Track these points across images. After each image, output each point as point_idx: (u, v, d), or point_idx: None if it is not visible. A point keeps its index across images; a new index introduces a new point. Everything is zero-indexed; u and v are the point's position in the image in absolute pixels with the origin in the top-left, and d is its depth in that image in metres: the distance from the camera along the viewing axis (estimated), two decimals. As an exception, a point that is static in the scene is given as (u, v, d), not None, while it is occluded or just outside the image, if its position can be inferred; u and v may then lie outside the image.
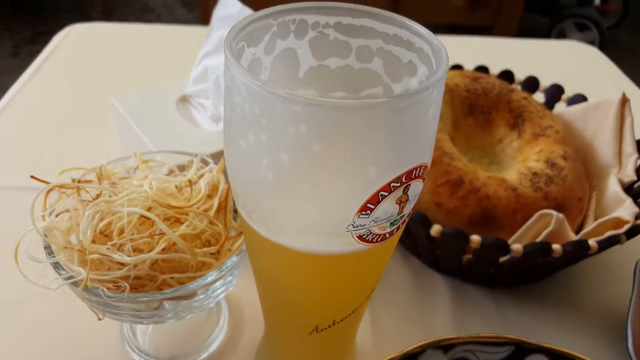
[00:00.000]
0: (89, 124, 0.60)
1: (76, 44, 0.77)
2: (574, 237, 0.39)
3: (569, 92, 0.54)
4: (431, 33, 0.22)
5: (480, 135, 0.50)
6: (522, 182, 0.43)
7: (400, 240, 0.48)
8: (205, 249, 0.29)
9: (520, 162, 0.46)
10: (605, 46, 2.43)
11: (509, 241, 0.40)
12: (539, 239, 0.38)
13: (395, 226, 0.22)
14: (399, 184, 0.20)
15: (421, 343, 0.34)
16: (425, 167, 0.21)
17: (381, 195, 0.20)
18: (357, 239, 0.21)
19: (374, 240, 0.22)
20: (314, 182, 0.19)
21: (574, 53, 0.90)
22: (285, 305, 0.26)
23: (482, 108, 0.50)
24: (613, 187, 0.44)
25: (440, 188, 0.42)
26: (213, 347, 0.38)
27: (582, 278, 0.45)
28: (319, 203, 0.20)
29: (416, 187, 0.22)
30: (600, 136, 0.49)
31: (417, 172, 0.21)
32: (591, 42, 2.44)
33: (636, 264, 0.41)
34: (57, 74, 0.70)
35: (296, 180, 0.19)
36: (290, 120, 0.18)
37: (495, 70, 0.57)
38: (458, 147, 0.49)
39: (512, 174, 0.44)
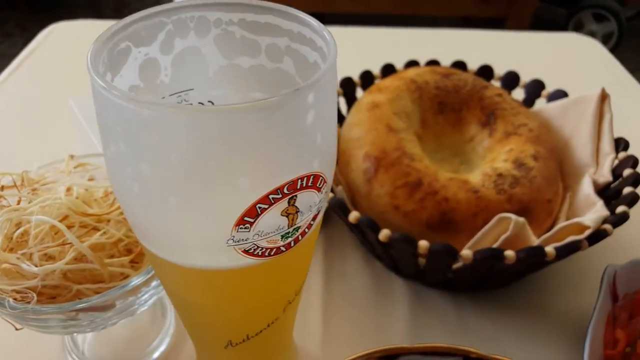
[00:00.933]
0: (57, 124, 0.59)
1: (59, 42, 0.77)
2: (535, 242, 0.37)
3: (566, 87, 0.51)
4: (326, 30, 0.20)
5: (450, 133, 0.48)
6: (485, 183, 0.40)
7: (362, 243, 0.46)
8: (118, 259, 0.28)
9: (489, 162, 0.44)
10: (624, 37, 2.35)
11: (467, 246, 0.38)
12: (496, 245, 0.36)
13: (290, 239, 0.21)
14: (280, 196, 0.18)
15: (361, 354, 0.33)
16: (318, 176, 0.20)
17: (259, 207, 0.18)
18: (243, 253, 0.20)
19: (266, 254, 0.20)
20: (179, 194, 0.18)
21: (573, 45, 0.86)
22: (191, 319, 0.25)
23: (453, 106, 0.48)
24: (585, 189, 0.42)
25: (398, 190, 0.40)
26: (157, 354, 0.37)
27: (551, 283, 0.43)
28: (188, 217, 0.18)
29: (308, 199, 0.20)
30: (578, 134, 0.46)
31: (305, 183, 0.19)
32: (610, 34, 2.37)
33: (604, 270, 0.39)
34: (35, 72, 0.70)
35: (160, 192, 0.18)
36: (141, 128, 0.16)
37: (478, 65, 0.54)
38: (428, 146, 0.47)
39: (477, 175, 0.42)
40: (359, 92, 0.52)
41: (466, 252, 0.34)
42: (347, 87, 0.51)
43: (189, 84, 0.24)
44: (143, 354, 0.37)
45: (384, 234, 0.36)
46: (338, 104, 0.50)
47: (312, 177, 0.19)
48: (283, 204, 0.19)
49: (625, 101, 0.70)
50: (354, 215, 0.37)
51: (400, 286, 0.43)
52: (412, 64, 0.54)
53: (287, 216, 0.19)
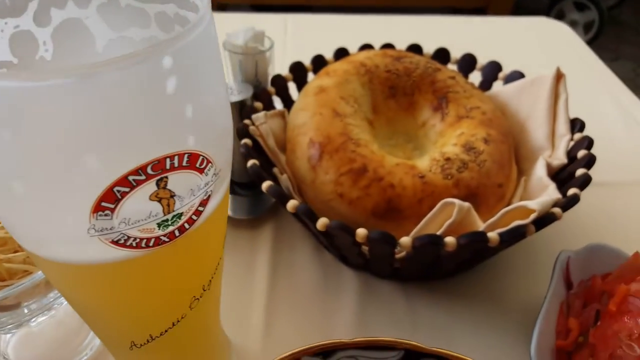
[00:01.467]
0: None
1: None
2: (481, 228, 0.35)
3: (533, 70, 0.49)
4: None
5: (403, 119, 0.46)
6: (432, 168, 0.39)
7: (312, 234, 0.44)
8: (17, 254, 0.26)
9: (440, 147, 0.42)
10: (605, 26, 2.35)
11: (411, 233, 0.36)
12: (440, 231, 0.34)
13: (172, 227, 0.19)
14: (143, 177, 0.16)
15: (295, 350, 0.31)
16: (196, 156, 0.18)
17: (118, 191, 0.16)
18: (112, 244, 0.17)
19: (143, 246, 0.18)
20: (21, 177, 0.15)
21: (543, 29, 0.85)
22: (85, 318, 0.23)
23: (405, 89, 0.46)
24: (538, 172, 0.40)
25: (342, 177, 0.38)
26: (87, 354, 0.35)
27: (504, 271, 0.41)
28: (37, 204, 0.16)
29: (187, 181, 0.18)
30: (534, 116, 0.44)
31: (177, 163, 0.17)
32: (591, 22, 2.36)
33: (557, 256, 0.37)
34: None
35: (2, 175, 0.15)
36: (-38, 100, 0.14)
37: (456, 51, 0.52)
38: (381, 132, 0.46)
39: (425, 160, 0.40)
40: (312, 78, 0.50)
41: (405, 240, 0.32)
42: (298, 72, 0.49)
43: (76, 59, 0.22)
44: (73, 353, 0.34)
45: (322, 222, 0.34)
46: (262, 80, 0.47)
47: (186, 156, 0.17)
48: (150, 186, 0.17)
49: (593, 85, 0.68)
50: (292, 204, 0.35)
51: (349, 277, 0.41)
52: (365, 47, 0.52)
53: (159, 201, 0.17)
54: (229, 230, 0.45)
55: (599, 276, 0.38)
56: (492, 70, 0.50)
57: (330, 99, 0.42)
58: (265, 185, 0.36)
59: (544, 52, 0.76)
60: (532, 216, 0.32)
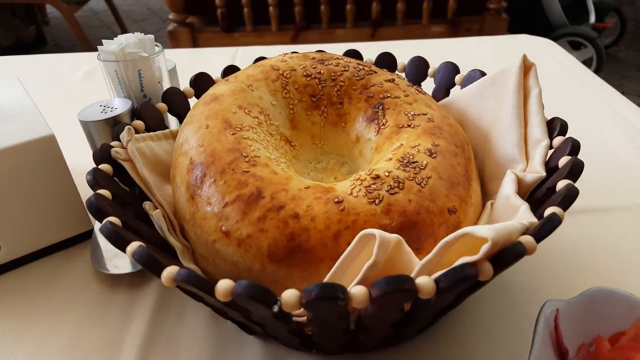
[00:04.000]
0: None
1: None
2: (416, 269, 0.23)
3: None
4: None
5: (332, 134, 0.36)
6: (353, 191, 0.28)
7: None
8: None
9: (373, 165, 0.31)
10: (604, 63, 2.29)
11: (324, 281, 0.24)
12: (357, 278, 0.23)
13: None
14: None
15: None
16: None
17: None
18: None
19: None
20: None
21: (527, 46, 0.76)
22: None
23: (330, 98, 0.36)
24: (505, 190, 0.29)
25: (228, 208, 0.27)
26: None
27: (474, 331, 0.29)
28: None
29: None
30: (499, 121, 0.34)
31: None
32: (589, 60, 2.31)
33: (540, 311, 0.25)
34: None
35: None
36: None
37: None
38: (304, 152, 0.35)
39: (347, 181, 0.29)
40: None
41: (289, 294, 0.21)
42: (200, 85, 0.39)
43: None
44: None
45: (166, 275, 0.22)
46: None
47: None
48: None
49: (584, 95, 0.58)
50: (131, 248, 0.24)
51: (253, 352, 0.29)
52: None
53: None
54: (99, 291, 0.33)
55: (606, 338, 0.26)
56: (447, 74, 0.40)
57: (223, 108, 0.32)
58: (102, 223, 0.25)
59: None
60: (484, 249, 0.21)
